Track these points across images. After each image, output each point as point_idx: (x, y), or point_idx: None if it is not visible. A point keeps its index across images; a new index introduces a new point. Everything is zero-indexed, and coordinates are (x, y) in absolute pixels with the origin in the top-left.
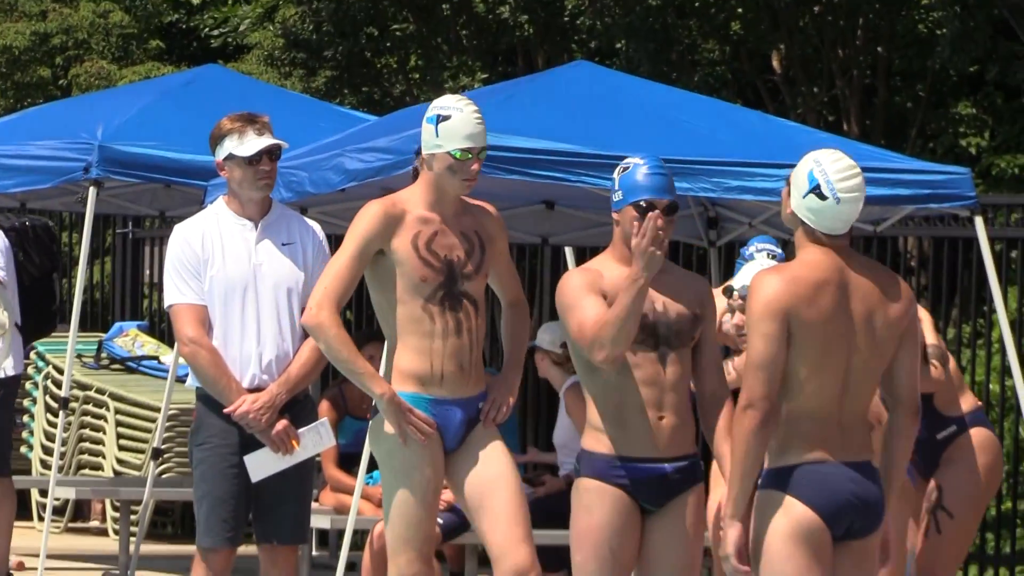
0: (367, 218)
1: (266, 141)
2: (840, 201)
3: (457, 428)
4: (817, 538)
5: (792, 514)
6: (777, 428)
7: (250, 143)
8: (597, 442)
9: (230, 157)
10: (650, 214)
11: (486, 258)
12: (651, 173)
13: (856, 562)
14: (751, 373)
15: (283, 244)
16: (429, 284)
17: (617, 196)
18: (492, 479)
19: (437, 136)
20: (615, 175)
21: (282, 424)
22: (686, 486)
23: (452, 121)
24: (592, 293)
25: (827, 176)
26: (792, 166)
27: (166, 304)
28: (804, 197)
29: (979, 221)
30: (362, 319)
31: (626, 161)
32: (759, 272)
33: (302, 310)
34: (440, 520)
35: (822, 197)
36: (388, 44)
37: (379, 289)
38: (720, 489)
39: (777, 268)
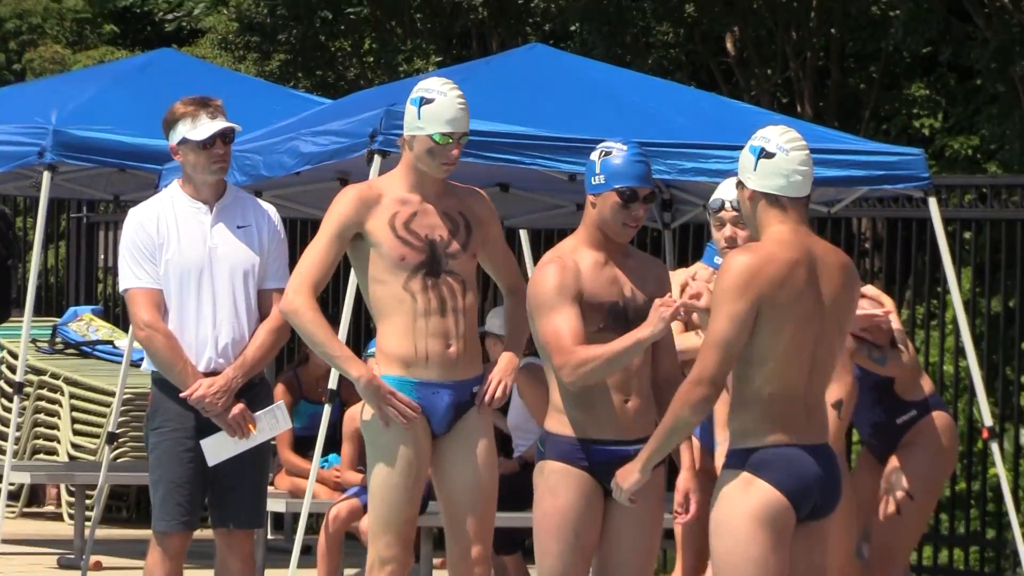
0: (342, 203)
1: (219, 124)
2: (788, 151)
3: (444, 412)
4: (783, 520)
5: (759, 495)
6: (744, 408)
7: (203, 127)
8: (561, 424)
9: (184, 141)
10: (668, 303)
11: (473, 238)
12: (634, 160)
13: (815, 542)
14: (707, 350)
15: (238, 227)
16: (409, 263)
17: (598, 180)
18: (466, 472)
19: (419, 118)
20: (595, 158)
21: (238, 408)
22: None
23: (435, 104)
24: (569, 302)
25: (767, 137)
26: None
27: (121, 288)
28: (755, 169)
29: (933, 202)
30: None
31: (607, 145)
32: (732, 251)
33: (257, 293)
34: None
35: (769, 155)
36: (342, 27)
37: (361, 273)
38: (686, 472)
39: (749, 247)
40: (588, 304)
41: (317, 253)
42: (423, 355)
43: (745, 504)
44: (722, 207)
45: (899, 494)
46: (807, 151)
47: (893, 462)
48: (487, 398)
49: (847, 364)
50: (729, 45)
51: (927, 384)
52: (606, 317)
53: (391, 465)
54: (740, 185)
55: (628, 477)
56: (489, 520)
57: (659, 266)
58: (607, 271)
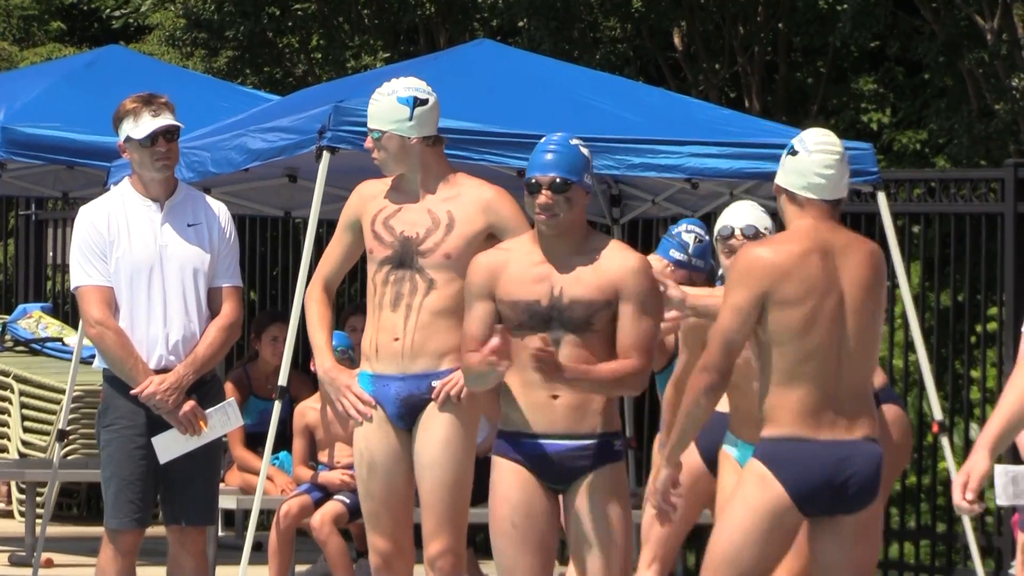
0: (349, 199)
1: (160, 122)
2: (811, 152)
3: (393, 404)
4: (781, 518)
5: (764, 489)
6: (765, 397)
7: (144, 125)
8: (503, 419)
9: (128, 139)
10: (498, 342)
11: (451, 237)
12: (541, 150)
13: (843, 536)
14: (715, 340)
15: (188, 225)
16: (376, 256)
17: None
18: (422, 468)
19: (411, 119)
20: None
21: (189, 405)
22: (593, 464)
23: (428, 106)
24: (478, 299)
25: (803, 137)
26: (694, 142)
27: (72, 286)
28: (783, 164)
29: (882, 196)
30: (265, 300)
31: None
32: (745, 245)
33: (208, 291)
34: (346, 500)
35: (794, 153)
36: (290, 24)
37: None
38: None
39: (762, 240)
40: (503, 302)
41: (329, 248)
42: (375, 348)
43: (748, 493)
44: (732, 234)
45: None
46: (837, 156)
47: None
48: (434, 394)
49: None
50: (677, 40)
51: (879, 377)
52: (522, 315)
53: (358, 463)
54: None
55: (658, 476)
56: (448, 514)
57: (626, 261)
58: (537, 269)
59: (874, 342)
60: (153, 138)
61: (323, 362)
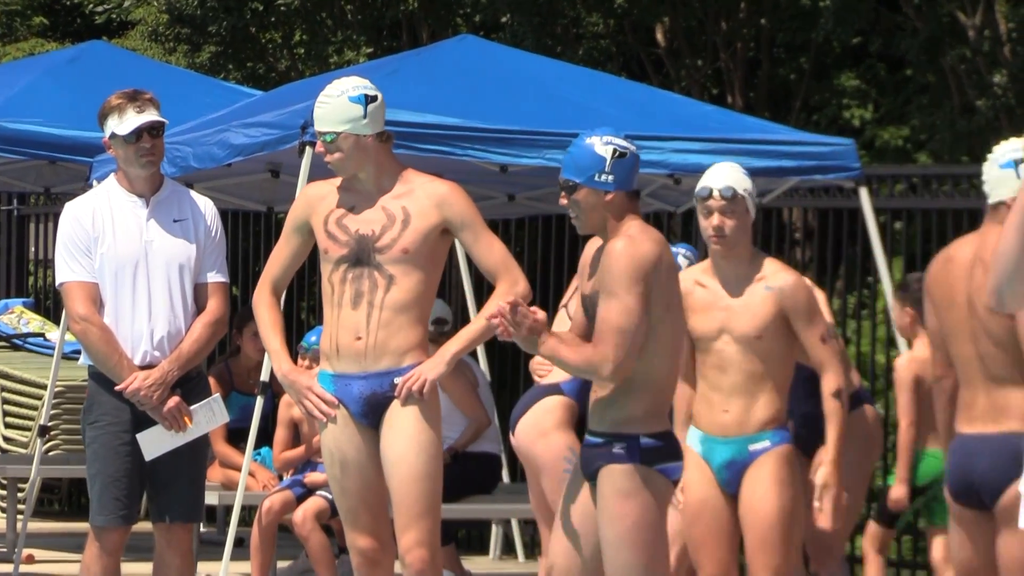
0: (295, 201)
1: (144, 119)
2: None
3: (357, 402)
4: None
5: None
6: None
7: (128, 121)
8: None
9: (113, 136)
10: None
11: (407, 232)
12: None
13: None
14: (933, 350)
15: (174, 221)
16: (331, 256)
17: None
18: (389, 464)
19: (365, 117)
20: None
21: (174, 401)
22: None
23: (379, 103)
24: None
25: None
26: (677, 138)
27: (57, 282)
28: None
29: (864, 192)
30: (247, 295)
31: None
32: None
33: (194, 287)
34: (328, 495)
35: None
36: (273, 19)
37: None
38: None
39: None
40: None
41: (275, 250)
42: (336, 347)
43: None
44: (710, 195)
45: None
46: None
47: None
48: (396, 391)
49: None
50: (659, 36)
51: (855, 378)
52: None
53: (328, 464)
54: None
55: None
56: (418, 508)
57: (609, 254)
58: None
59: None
60: (138, 134)
61: (280, 365)
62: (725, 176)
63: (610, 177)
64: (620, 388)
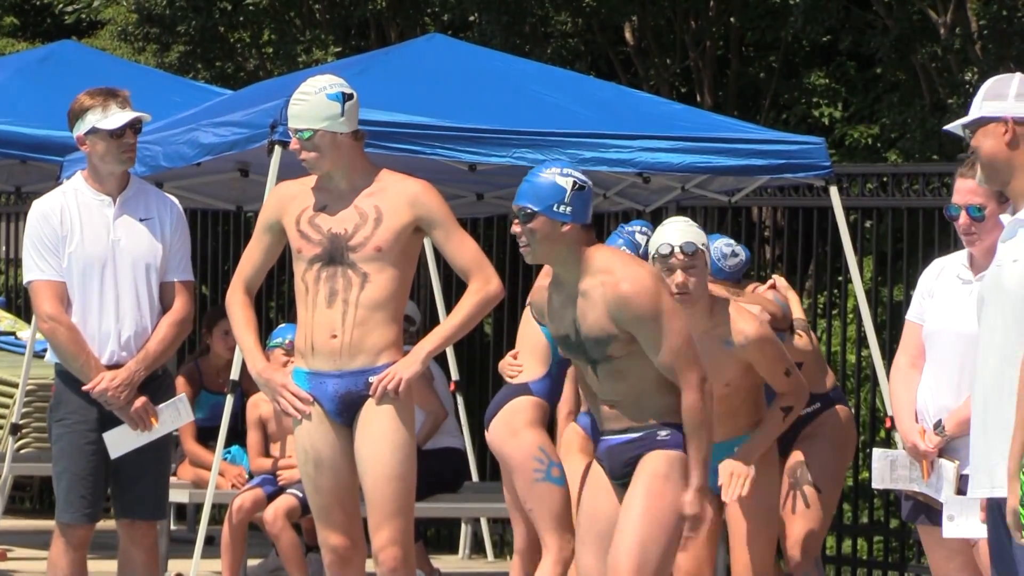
0: (266, 200)
1: (130, 114)
2: None
3: (332, 400)
4: None
5: None
6: None
7: (114, 116)
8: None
9: (93, 131)
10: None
11: (380, 231)
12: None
13: None
14: None
15: (141, 219)
16: (304, 255)
17: None
18: (363, 463)
19: (343, 115)
20: None
21: (140, 401)
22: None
23: (355, 101)
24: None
25: None
26: (646, 136)
27: (25, 280)
28: None
29: (834, 191)
30: (216, 294)
31: None
32: None
33: (160, 286)
34: (299, 493)
35: None
36: (241, 18)
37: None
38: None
39: None
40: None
41: (247, 250)
42: (311, 345)
43: None
44: (671, 253)
45: (806, 488)
46: None
47: (797, 456)
48: (371, 390)
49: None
50: (628, 35)
51: (830, 378)
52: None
53: (301, 460)
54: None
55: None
56: (391, 507)
57: (622, 298)
58: (553, 301)
59: None
60: (122, 130)
61: (255, 363)
62: (683, 232)
63: (568, 208)
64: (654, 382)
